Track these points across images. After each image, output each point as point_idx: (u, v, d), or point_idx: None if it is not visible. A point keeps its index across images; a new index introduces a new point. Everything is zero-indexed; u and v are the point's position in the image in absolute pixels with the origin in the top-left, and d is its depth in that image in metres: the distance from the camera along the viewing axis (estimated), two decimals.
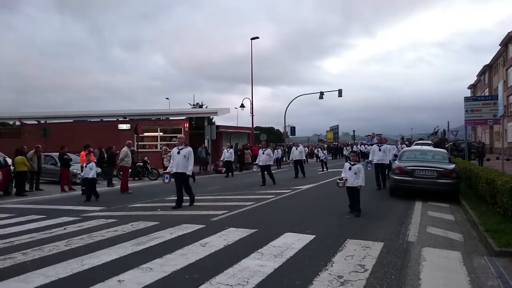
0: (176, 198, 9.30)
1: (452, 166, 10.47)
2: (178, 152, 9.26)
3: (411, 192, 10.48)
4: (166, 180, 9.52)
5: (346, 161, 8.73)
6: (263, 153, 14.68)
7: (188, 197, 9.55)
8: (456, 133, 31.81)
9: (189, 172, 9.23)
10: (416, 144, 25.68)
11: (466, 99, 17.04)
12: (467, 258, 5.08)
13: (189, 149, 9.40)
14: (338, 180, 8.21)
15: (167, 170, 9.75)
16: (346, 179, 8.03)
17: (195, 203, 9.59)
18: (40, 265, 4.69)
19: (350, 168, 8.10)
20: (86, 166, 11.34)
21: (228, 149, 19.89)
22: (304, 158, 19.96)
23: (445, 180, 9.95)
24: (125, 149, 13.47)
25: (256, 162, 15.08)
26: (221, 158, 20.40)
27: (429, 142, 32.11)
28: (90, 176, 11.11)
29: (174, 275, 4.31)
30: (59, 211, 9.20)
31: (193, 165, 9.46)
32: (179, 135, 10.21)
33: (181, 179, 9.27)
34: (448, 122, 29.62)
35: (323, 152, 24.01)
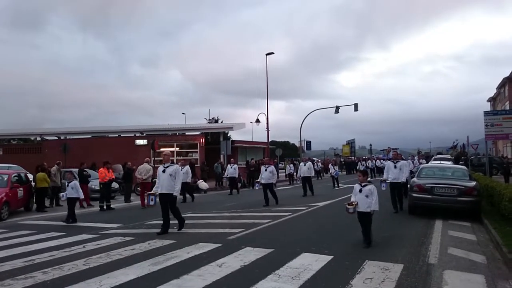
0: (162, 222, 8.39)
1: (473, 183, 10.23)
2: (164, 171, 8.31)
3: (431, 210, 10.26)
4: (151, 202, 8.66)
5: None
6: (265, 170, 13.42)
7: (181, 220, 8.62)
8: (476, 147, 30.95)
9: (176, 193, 8.28)
10: (435, 160, 24.75)
11: (486, 113, 16.73)
12: (491, 282, 4.94)
13: (176, 167, 8.52)
14: (347, 206, 6.96)
15: (152, 191, 8.87)
16: (357, 204, 6.91)
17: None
18: (60, 285, 4.76)
19: (360, 190, 6.98)
20: (68, 186, 10.42)
21: (232, 164, 18.90)
22: (313, 174, 19.30)
23: (466, 198, 9.72)
24: (147, 166, 13.53)
25: (258, 180, 13.96)
26: (225, 175, 19.38)
27: (448, 156, 31.08)
28: (75, 196, 10.37)
29: None
30: (78, 228, 9.34)
31: (180, 184, 8.60)
32: (164, 150, 9.21)
33: (167, 201, 8.35)
34: (468, 136, 28.81)
35: (334, 168, 23.29)
